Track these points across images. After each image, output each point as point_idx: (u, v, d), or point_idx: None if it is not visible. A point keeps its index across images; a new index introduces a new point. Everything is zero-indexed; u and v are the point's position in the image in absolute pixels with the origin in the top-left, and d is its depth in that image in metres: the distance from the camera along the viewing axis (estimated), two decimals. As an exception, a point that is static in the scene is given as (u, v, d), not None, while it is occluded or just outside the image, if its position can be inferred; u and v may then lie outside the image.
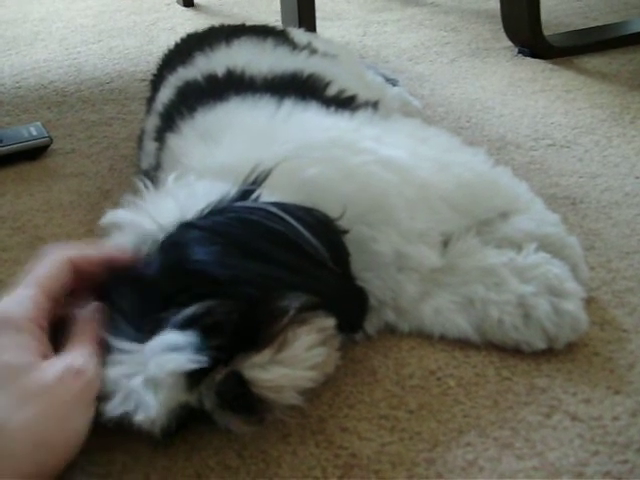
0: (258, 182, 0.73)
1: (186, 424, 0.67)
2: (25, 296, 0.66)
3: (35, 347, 0.63)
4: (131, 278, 0.67)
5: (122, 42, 2.06)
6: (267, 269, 0.67)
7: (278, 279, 0.68)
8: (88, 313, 0.69)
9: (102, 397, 0.64)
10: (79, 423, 0.63)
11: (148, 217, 0.71)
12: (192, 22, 2.22)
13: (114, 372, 0.64)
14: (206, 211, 0.70)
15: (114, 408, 0.64)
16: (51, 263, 0.70)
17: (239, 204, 0.71)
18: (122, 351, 0.64)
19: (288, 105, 0.88)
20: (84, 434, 0.63)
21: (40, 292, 0.67)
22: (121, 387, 0.64)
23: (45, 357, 0.64)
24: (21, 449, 0.58)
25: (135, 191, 0.79)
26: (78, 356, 0.64)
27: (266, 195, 0.73)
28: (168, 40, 1.69)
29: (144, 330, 0.64)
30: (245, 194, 0.72)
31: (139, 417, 0.63)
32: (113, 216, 0.74)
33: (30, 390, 0.60)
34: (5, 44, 2.11)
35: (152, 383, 0.62)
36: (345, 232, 0.75)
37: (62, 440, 0.62)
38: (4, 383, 0.60)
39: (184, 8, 2.40)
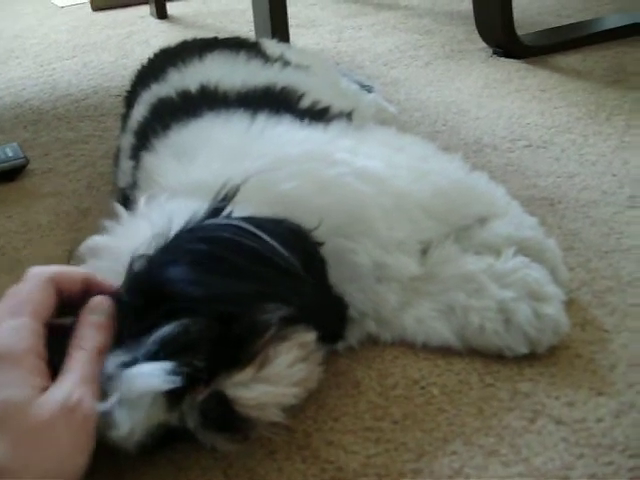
0: (228, 198, 0.73)
1: (168, 442, 0.67)
2: (20, 326, 0.64)
3: (32, 381, 0.61)
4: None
5: (97, 57, 2.06)
6: (241, 285, 0.67)
7: (253, 294, 0.67)
8: (82, 335, 0.66)
9: None
10: (79, 458, 0.61)
11: (123, 241, 0.71)
12: (166, 34, 2.22)
13: None
14: (176, 231, 0.69)
15: None
16: (35, 286, 0.67)
17: (209, 222, 0.71)
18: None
19: (261, 119, 0.88)
20: (85, 467, 0.62)
21: (33, 319, 0.64)
22: None
23: (44, 389, 0.61)
24: None
25: (112, 214, 0.78)
26: (73, 387, 0.61)
27: (240, 211, 0.73)
28: (143, 53, 1.69)
29: (119, 350, 0.63)
30: (216, 211, 0.72)
31: (112, 434, 0.63)
32: (90, 242, 0.73)
33: (28, 429, 0.58)
34: (-21, 63, 2.10)
35: (126, 402, 0.62)
36: (320, 244, 0.75)
37: (62, 478, 0.60)
38: (2, 422, 0.58)
39: (158, 20, 2.40)
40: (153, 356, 0.62)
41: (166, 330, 0.62)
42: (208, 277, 0.66)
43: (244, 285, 0.67)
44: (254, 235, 0.69)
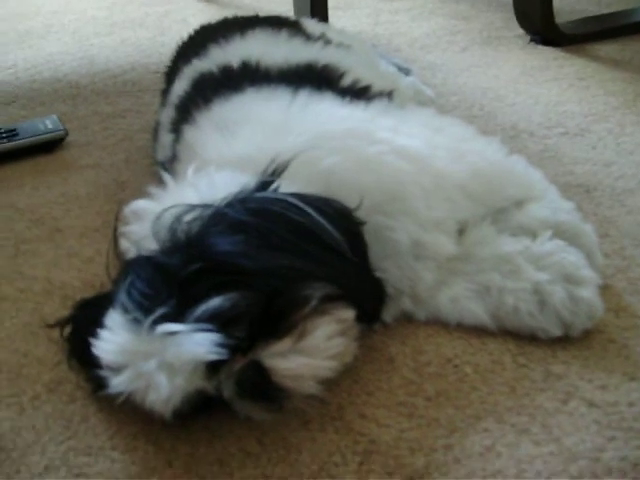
0: (277, 173, 0.74)
1: (203, 410, 0.68)
2: None
3: None
4: (155, 265, 0.68)
5: (134, 34, 2.06)
6: (290, 260, 0.68)
7: (301, 270, 0.69)
8: None
9: (109, 366, 0.66)
10: None
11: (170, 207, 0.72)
12: (204, 13, 2.22)
13: (127, 344, 0.65)
14: (226, 202, 0.71)
15: (121, 383, 0.65)
16: None
17: (259, 195, 0.72)
18: (139, 327, 0.65)
19: (303, 96, 0.88)
20: None
21: None
22: (132, 364, 0.65)
23: None
24: None
25: (156, 182, 0.79)
26: None
27: (285, 186, 0.74)
28: (180, 32, 1.69)
29: (168, 315, 0.64)
30: (264, 185, 0.73)
31: (151, 398, 0.64)
32: (134, 205, 0.75)
33: None
34: (18, 37, 2.11)
35: (167, 367, 0.63)
36: (363, 223, 0.76)
37: None
38: None
39: (195, -1, 2.40)
40: (201, 327, 0.63)
41: (216, 302, 0.64)
42: (258, 251, 0.67)
43: (292, 260, 0.68)
44: (303, 211, 0.70)
